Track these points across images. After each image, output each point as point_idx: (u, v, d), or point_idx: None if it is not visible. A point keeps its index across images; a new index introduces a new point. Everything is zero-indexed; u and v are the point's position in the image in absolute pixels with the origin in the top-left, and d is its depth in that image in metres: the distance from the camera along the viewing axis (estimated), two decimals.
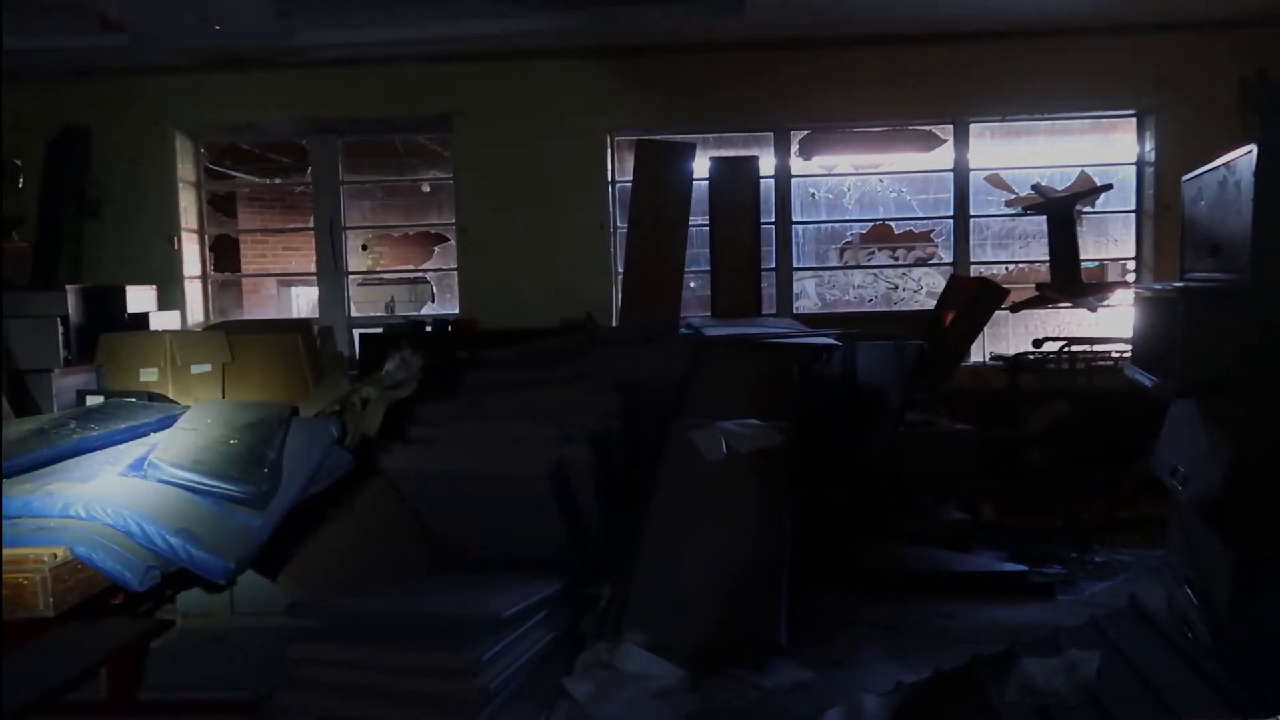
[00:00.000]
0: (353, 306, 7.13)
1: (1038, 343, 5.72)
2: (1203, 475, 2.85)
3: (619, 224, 6.59)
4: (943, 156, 6.67)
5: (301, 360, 5.51)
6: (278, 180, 8.33)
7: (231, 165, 7.85)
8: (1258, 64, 6.02)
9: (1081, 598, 4.12)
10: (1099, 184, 6.40)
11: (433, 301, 8.43)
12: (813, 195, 6.85)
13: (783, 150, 6.66)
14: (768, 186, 6.51)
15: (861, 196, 6.88)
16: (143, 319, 5.80)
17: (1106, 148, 6.62)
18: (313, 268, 7.09)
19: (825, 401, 4.42)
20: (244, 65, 6.41)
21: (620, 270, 6.29)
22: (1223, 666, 2.67)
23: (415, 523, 3.83)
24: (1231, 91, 6.08)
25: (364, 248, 8.34)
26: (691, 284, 6.52)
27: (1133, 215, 6.56)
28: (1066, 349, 5.49)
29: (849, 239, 7.09)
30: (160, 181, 6.73)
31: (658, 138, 5.79)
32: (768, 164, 6.56)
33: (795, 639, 3.45)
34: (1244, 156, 2.65)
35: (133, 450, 3.40)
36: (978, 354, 6.25)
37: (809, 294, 7.15)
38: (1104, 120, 6.59)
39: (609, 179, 6.64)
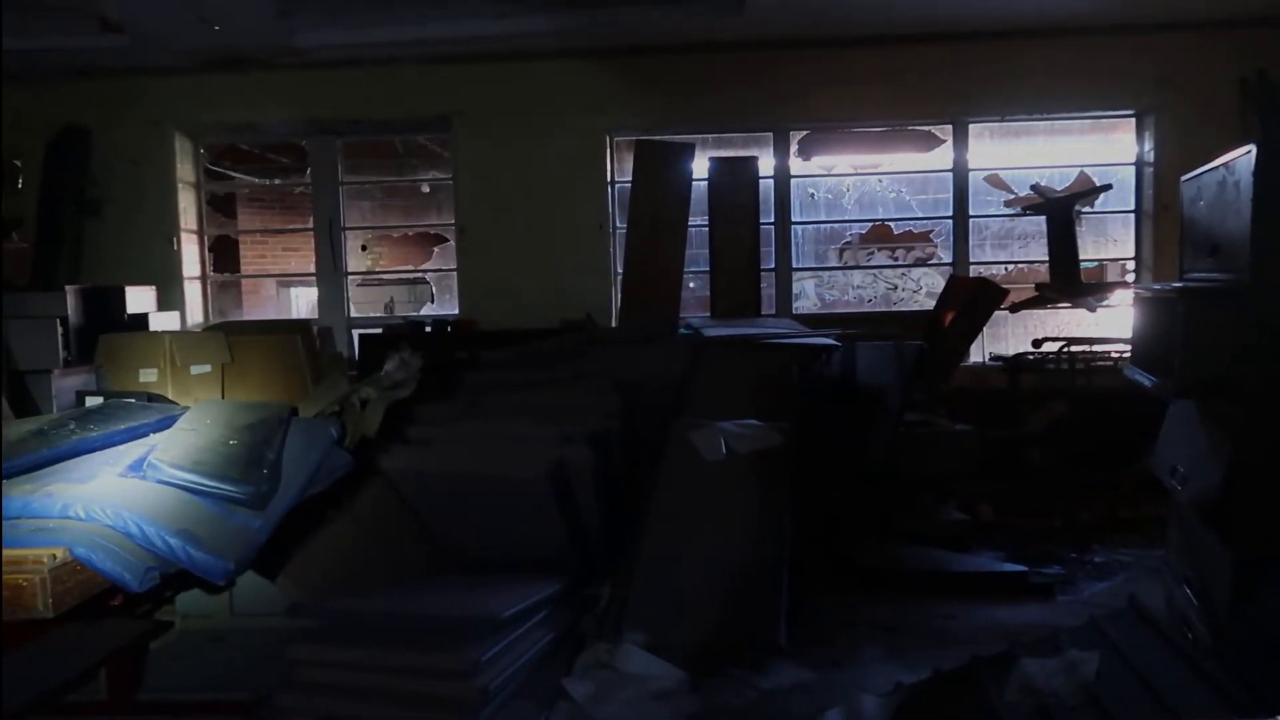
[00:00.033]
0: (352, 307, 7.13)
1: (1037, 343, 5.72)
2: (1202, 475, 2.85)
3: (618, 224, 6.59)
4: (942, 157, 6.67)
5: (301, 361, 5.51)
6: (277, 181, 8.33)
7: (231, 166, 7.85)
8: (1257, 64, 6.02)
9: (1081, 598, 4.13)
10: (1098, 184, 6.40)
11: (432, 302, 8.43)
12: (812, 195, 6.85)
13: (782, 150, 6.66)
14: (767, 187, 6.51)
15: (861, 197, 6.88)
16: (142, 320, 5.80)
17: (1106, 148, 6.62)
18: (312, 268, 7.09)
19: (825, 402, 4.42)
20: (244, 66, 6.41)
21: (619, 270, 6.29)
22: (1222, 666, 2.67)
23: (415, 523, 3.83)
24: (1231, 91, 6.08)
25: (363, 248, 8.34)
26: (691, 284, 6.52)
27: (1132, 215, 6.56)
28: (1066, 349, 5.49)
29: (848, 239, 7.09)
30: (160, 182, 6.74)
31: (657, 138, 5.80)
32: (767, 164, 6.56)
33: (795, 639, 3.45)
34: (1243, 157, 2.65)
35: (132, 451, 3.40)
36: (977, 354, 6.25)
37: (808, 294, 7.15)
38: (1103, 120, 6.59)
39: (608, 179, 6.64)
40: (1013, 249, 6.78)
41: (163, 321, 5.99)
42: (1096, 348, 5.50)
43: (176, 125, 6.79)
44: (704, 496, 3.55)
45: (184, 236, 6.86)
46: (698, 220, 5.92)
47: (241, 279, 7.95)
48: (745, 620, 3.40)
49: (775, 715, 3.03)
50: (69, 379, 5.14)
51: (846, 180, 6.91)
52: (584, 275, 6.52)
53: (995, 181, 6.69)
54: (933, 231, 6.92)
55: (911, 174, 6.82)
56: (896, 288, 7.16)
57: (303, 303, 8.76)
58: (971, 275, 6.48)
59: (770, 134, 6.65)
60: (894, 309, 6.97)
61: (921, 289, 7.07)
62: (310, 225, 7.11)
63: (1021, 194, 6.53)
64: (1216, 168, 2.88)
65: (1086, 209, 6.49)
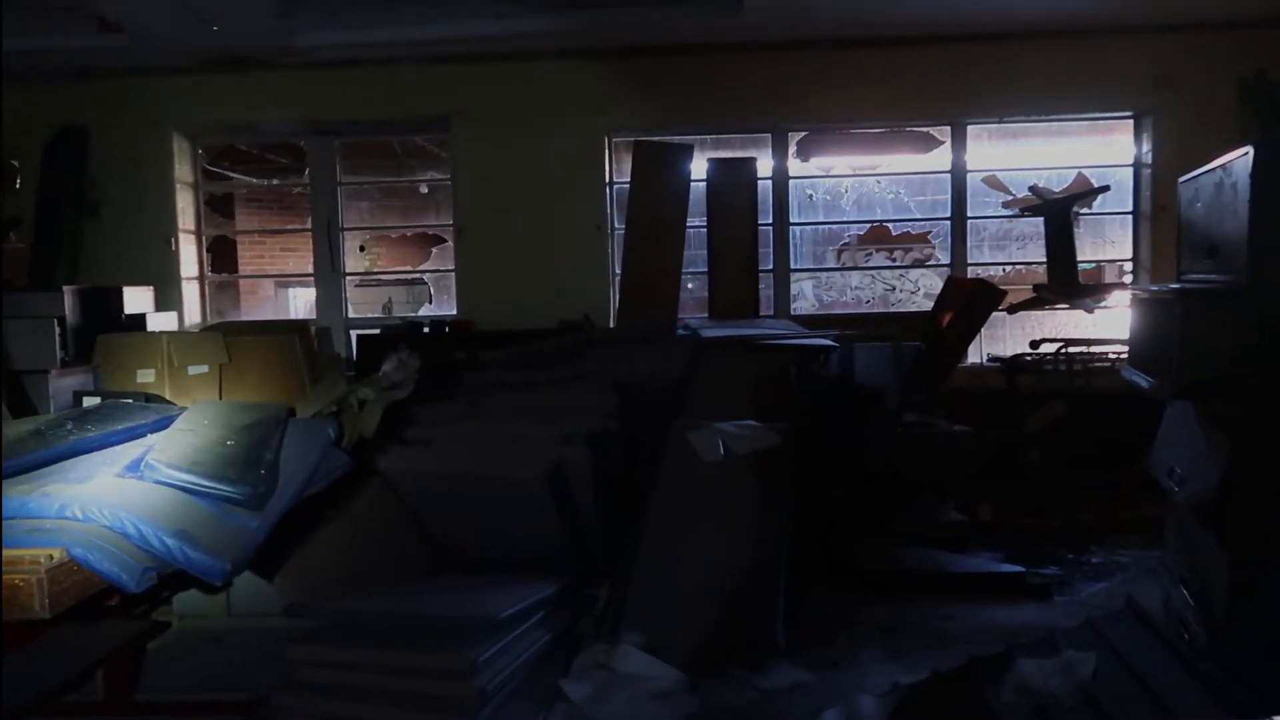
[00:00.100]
0: (350, 307, 7.13)
1: (1035, 344, 5.72)
2: (1199, 476, 2.85)
3: (617, 225, 6.59)
4: (940, 158, 6.68)
5: (299, 361, 5.50)
6: (275, 181, 8.33)
7: (229, 166, 7.85)
8: (1256, 65, 6.03)
9: (1078, 599, 4.13)
10: (1096, 185, 6.41)
11: (430, 303, 8.42)
12: (810, 196, 6.85)
13: (780, 151, 6.66)
14: (765, 188, 6.51)
15: (859, 198, 6.88)
16: (140, 320, 5.79)
17: (1104, 149, 6.63)
18: (310, 269, 7.08)
19: (823, 403, 4.42)
20: (243, 66, 6.41)
21: (618, 271, 6.29)
22: (1219, 667, 2.67)
23: (413, 524, 3.83)
24: (1229, 93, 6.09)
25: (361, 249, 8.33)
26: (689, 285, 6.52)
27: (1130, 217, 6.57)
28: (1064, 350, 5.49)
29: (846, 240, 7.09)
30: (158, 182, 6.73)
31: (655, 139, 5.80)
32: (765, 165, 6.56)
33: (793, 640, 3.46)
34: (1241, 158, 2.65)
35: (129, 451, 3.40)
36: (975, 355, 6.25)
37: (806, 295, 7.15)
38: (1101, 122, 6.60)
39: (607, 180, 6.65)
40: (1011, 250, 6.79)
41: (160, 322, 5.99)
42: (1094, 349, 5.50)
43: (175, 125, 6.79)
44: (702, 497, 3.55)
45: (182, 237, 6.86)
46: (696, 221, 5.92)
47: (239, 279, 7.94)
48: (744, 621, 3.40)
49: (774, 715, 3.02)
50: (66, 379, 5.13)
51: (845, 181, 6.91)
52: (582, 276, 6.52)
53: (993, 183, 6.70)
54: (931, 233, 6.92)
55: (910, 175, 6.83)
56: (895, 289, 7.16)
57: (301, 303, 8.75)
58: (969, 276, 6.48)
59: (769, 135, 6.65)
60: (892, 310, 6.97)
61: (919, 290, 7.08)
62: (308, 226, 7.11)
63: (1019, 195, 6.54)
64: (1214, 169, 2.88)
65: (1084, 210, 6.50)
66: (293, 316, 8.40)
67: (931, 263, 6.98)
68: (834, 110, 6.50)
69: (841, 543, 4.39)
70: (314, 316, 7.02)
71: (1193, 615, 2.90)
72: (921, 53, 6.24)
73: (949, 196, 6.62)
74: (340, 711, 2.94)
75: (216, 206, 7.86)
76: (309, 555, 3.45)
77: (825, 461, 4.27)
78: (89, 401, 4.61)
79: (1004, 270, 6.82)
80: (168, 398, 4.90)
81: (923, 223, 6.89)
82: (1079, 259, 6.03)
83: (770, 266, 6.68)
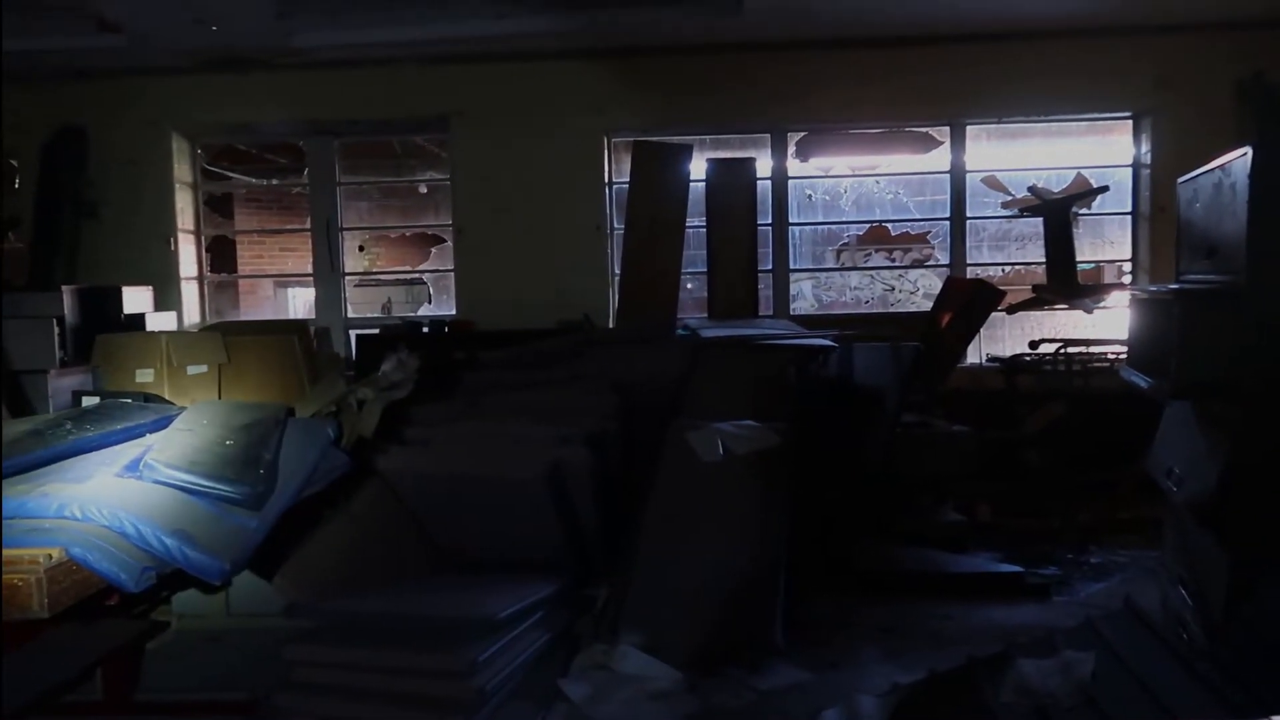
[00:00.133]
0: (349, 307, 7.13)
1: (1034, 344, 5.72)
2: (1198, 477, 2.85)
3: (616, 225, 6.59)
4: (939, 158, 6.68)
5: (298, 361, 5.50)
6: (274, 181, 8.33)
7: (228, 166, 7.84)
8: (1253, 65, 6.03)
9: (1077, 599, 4.13)
10: (1095, 186, 6.41)
11: (429, 303, 8.42)
12: (809, 197, 6.86)
13: (780, 152, 6.66)
14: (764, 188, 6.51)
15: (858, 198, 6.88)
16: (139, 320, 5.79)
17: (1102, 150, 6.63)
18: (309, 269, 7.08)
19: (822, 403, 4.42)
20: (242, 66, 6.40)
21: (617, 271, 6.29)
22: (1217, 667, 2.67)
23: (412, 524, 3.83)
24: (1227, 93, 6.09)
25: (360, 249, 8.33)
26: (688, 285, 6.52)
27: (1129, 217, 6.57)
28: (1063, 350, 5.49)
29: (846, 240, 7.10)
30: (157, 182, 6.73)
31: (654, 139, 5.80)
32: (764, 165, 6.56)
33: (792, 640, 3.46)
34: (1239, 159, 2.65)
35: (128, 451, 3.40)
36: (974, 355, 6.25)
37: (806, 295, 7.16)
38: (1100, 122, 6.60)
39: (606, 180, 6.65)
40: (1010, 250, 6.79)
41: (159, 322, 5.99)
42: (1093, 349, 5.50)
43: (174, 125, 6.79)
44: (701, 497, 3.55)
45: (181, 237, 6.85)
46: (695, 221, 5.92)
47: (238, 279, 7.94)
48: (743, 621, 3.40)
49: (773, 716, 3.02)
50: (65, 379, 5.13)
51: (844, 181, 6.91)
52: (582, 276, 6.52)
53: (992, 183, 6.70)
54: (930, 233, 6.92)
55: (909, 175, 6.83)
56: (894, 289, 7.16)
57: (300, 303, 8.75)
58: (969, 277, 6.48)
59: (768, 135, 6.65)
60: (891, 310, 6.98)
61: (919, 290, 7.08)
62: (307, 226, 7.11)
63: (1018, 196, 6.54)
64: (1213, 170, 2.88)
65: (1083, 211, 6.50)
66: (292, 316, 8.40)
67: (930, 263, 6.98)
68: (833, 110, 6.50)
69: (840, 543, 4.39)
70: (313, 316, 7.02)
71: (1191, 615, 2.90)
72: (921, 53, 6.24)
73: (948, 197, 6.63)
74: (339, 711, 2.94)
75: (215, 206, 7.86)
76: (308, 555, 3.45)
77: (824, 462, 4.27)
78: (88, 401, 4.61)
79: (1003, 271, 6.82)
80: (167, 398, 4.90)
81: (922, 223, 6.90)
82: (1078, 259, 6.03)
83: (769, 267, 6.68)
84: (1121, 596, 3.59)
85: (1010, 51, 6.22)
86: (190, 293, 6.98)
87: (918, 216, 6.87)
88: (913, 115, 6.56)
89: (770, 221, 6.63)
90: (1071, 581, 4.36)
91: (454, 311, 6.81)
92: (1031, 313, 6.25)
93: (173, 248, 6.76)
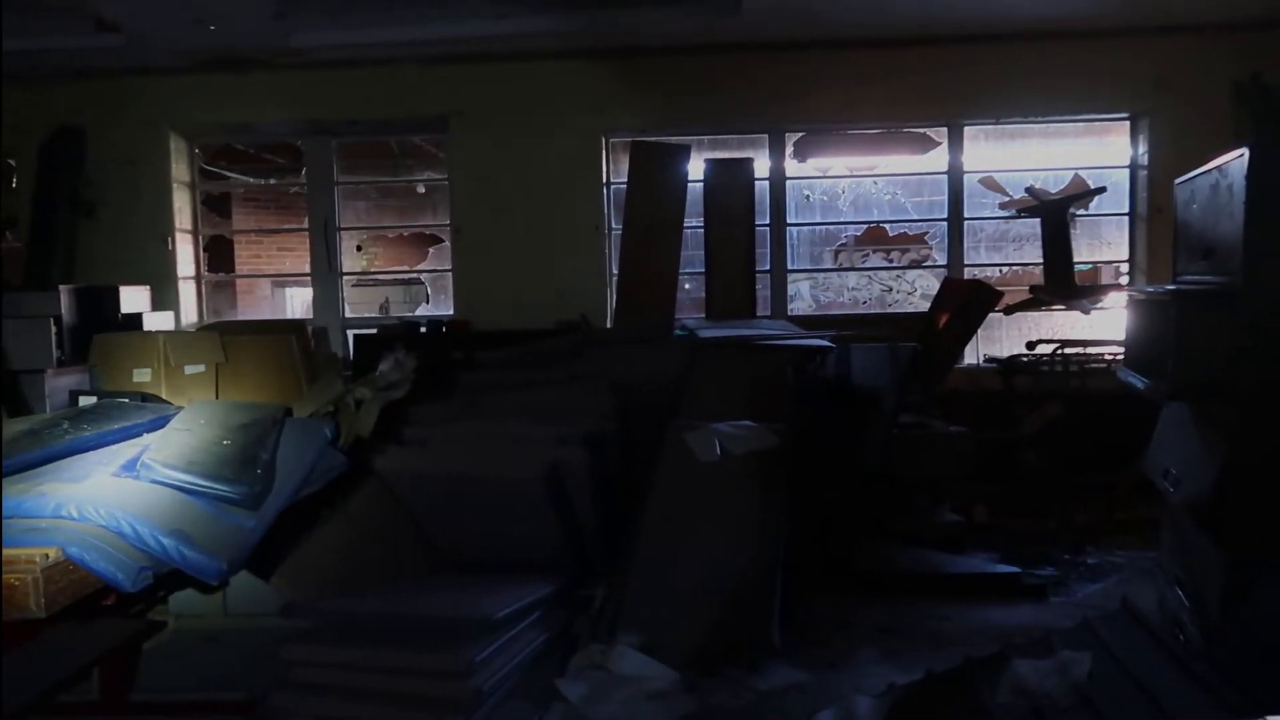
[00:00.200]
0: (347, 307, 7.12)
1: (1031, 345, 5.73)
2: (1194, 477, 2.86)
3: (614, 225, 6.59)
4: (937, 159, 6.69)
5: (295, 361, 5.50)
6: (272, 181, 8.33)
7: (226, 166, 7.84)
8: (1251, 67, 6.04)
9: (1074, 599, 4.14)
10: (1092, 187, 6.42)
11: (427, 303, 8.42)
12: (807, 197, 6.86)
13: (778, 152, 6.67)
14: (762, 188, 6.52)
15: (856, 199, 6.89)
16: (136, 319, 5.78)
17: (1100, 151, 6.64)
18: (307, 268, 7.08)
19: (820, 403, 4.43)
20: (241, 66, 6.40)
21: (615, 272, 6.30)
22: (1214, 668, 2.68)
23: (409, 524, 3.83)
24: (1225, 94, 6.10)
25: (358, 249, 8.33)
26: (686, 286, 6.52)
27: (1126, 218, 6.58)
28: (1060, 351, 5.50)
29: (843, 241, 7.10)
30: (155, 182, 6.72)
31: (652, 140, 5.80)
32: (762, 166, 6.57)
33: (790, 640, 3.46)
34: (1236, 160, 2.66)
35: (126, 451, 3.39)
36: (971, 356, 6.26)
37: (803, 296, 7.16)
38: (1097, 123, 6.61)
39: (604, 180, 6.65)
40: (1007, 251, 6.80)
41: (157, 321, 5.98)
42: (1091, 350, 5.51)
43: (172, 125, 6.78)
44: (699, 498, 3.55)
45: (179, 236, 6.85)
46: (693, 222, 5.93)
47: (236, 279, 7.94)
48: (740, 621, 3.40)
49: (770, 716, 3.03)
50: (63, 379, 5.12)
51: (842, 182, 6.92)
52: (580, 276, 6.52)
53: (990, 184, 6.71)
54: (928, 233, 6.93)
55: (907, 176, 6.84)
56: (891, 290, 7.17)
57: (298, 303, 8.75)
58: (966, 277, 6.49)
59: (766, 135, 6.66)
60: (889, 311, 6.98)
61: (916, 291, 7.09)
62: (305, 225, 7.10)
63: (1016, 196, 6.55)
64: (1209, 171, 2.89)
65: (1081, 211, 6.51)
66: (289, 316, 8.40)
67: (928, 263, 6.99)
68: (831, 111, 6.51)
69: (838, 543, 4.40)
70: (311, 316, 7.01)
71: (1188, 616, 2.91)
72: (919, 54, 6.25)
73: (946, 197, 6.63)
74: (336, 711, 2.94)
75: (213, 206, 7.86)
76: (305, 555, 3.45)
77: (822, 462, 4.28)
78: (85, 401, 4.61)
79: (1001, 271, 6.83)
80: (164, 397, 4.90)
81: (920, 224, 6.90)
82: (1075, 260, 6.03)
83: (767, 267, 6.68)
84: (1118, 597, 3.59)
85: (1009, 52, 6.22)
86: (188, 292, 6.97)
87: (915, 217, 6.88)
88: (911, 116, 6.57)
89: (768, 222, 6.64)
90: (1068, 582, 4.37)
91: (452, 311, 6.81)
92: (1029, 313, 6.26)
93: (170, 247, 6.76)
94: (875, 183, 6.89)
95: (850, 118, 6.60)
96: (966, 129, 6.58)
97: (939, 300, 5.81)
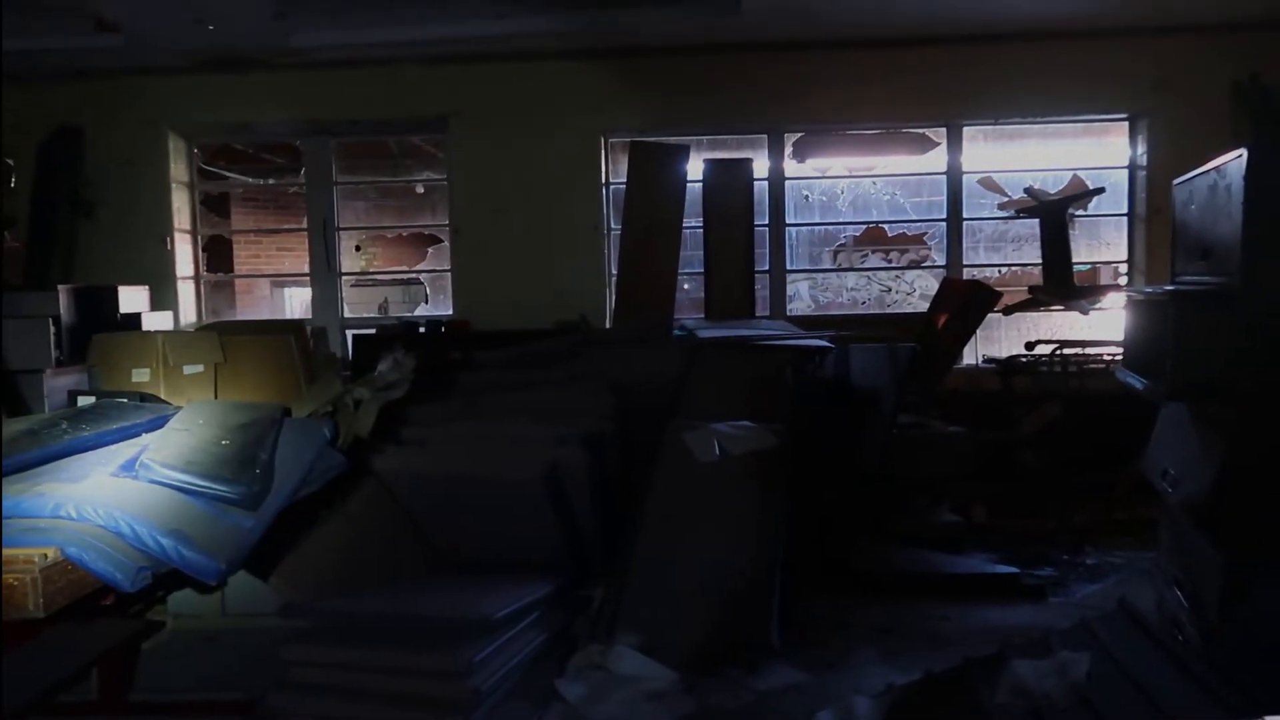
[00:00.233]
0: (346, 307, 7.12)
1: (1030, 345, 5.73)
2: (1193, 478, 2.86)
3: (613, 226, 6.59)
4: (936, 159, 6.69)
5: (294, 361, 5.50)
6: (271, 181, 8.32)
7: (225, 166, 7.84)
8: (1250, 68, 6.04)
9: (1072, 600, 4.14)
10: (1091, 187, 6.43)
11: (426, 303, 8.42)
12: (806, 198, 6.86)
13: (777, 152, 6.67)
14: (761, 189, 6.52)
15: (855, 199, 6.89)
16: (135, 319, 5.78)
17: (1099, 151, 6.65)
18: (306, 269, 7.08)
19: (819, 404, 4.43)
20: (240, 66, 6.40)
21: (614, 272, 6.30)
22: (1212, 668, 2.68)
23: (408, 524, 3.83)
24: (1224, 95, 6.10)
25: (357, 249, 8.33)
26: (685, 286, 6.52)
27: (1124, 219, 6.59)
28: (1059, 352, 5.50)
29: (842, 241, 7.11)
30: (154, 182, 6.72)
31: (651, 140, 5.80)
32: (761, 166, 6.57)
33: (789, 641, 3.46)
34: (1234, 160, 2.66)
35: (124, 451, 3.39)
36: (970, 356, 6.26)
37: (802, 296, 7.17)
38: (1096, 124, 6.62)
39: (603, 181, 6.65)
40: (1006, 252, 6.80)
41: (156, 321, 5.97)
42: (1089, 350, 5.51)
43: (171, 125, 6.78)
44: (698, 498, 3.55)
45: (178, 236, 6.85)
46: (692, 222, 5.93)
47: (235, 279, 7.93)
48: (739, 621, 3.40)
49: (769, 716, 3.03)
50: (61, 379, 5.12)
51: (841, 182, 6.92)
52: (579, 276, 6.52)
53: (989, 184, 6.71)
54: (926, 234, 6.94)
55: (906, 176, 6.84)
56: (890, 290, 7.17)
57: (296, 303, 8.74)
58: (965, 278, 6.49)
59: (765, 136, 6.66)
60: (888, 311, 6.99)
61: (915, 291, 7.09)
62: (304, 225, 7.10)
63: (1015, 197, 6.55)
64: (1208, 171, 2.89)
65: (1080, 212, 6.51)
66: (288, 316, 8.39)
67: (927, 264, 6.99)
68: (831, 111, 6.51)
69: (837, 544, 4.40)
70: (310, 316, 7.02)
71: (1186, 616, 2.91)
72: (918, 54, 6.25)
73: (945, 198, 6.63)
74: (335, 712, 2.94)
75: (212, 206, 7.85)
76: (304, 555, 3.45)
77: (821, 462, 4.28)
78: (84, 401, 4.60)
79: (999, 272, 6.83)
80: (163, 397, 4.89)
81: (918, 224, 6.91)
82: (1074, 261, 6.04)
83: (766, 267, 6.68)
84: (1117, 597, 3.59)
85: (1008, 53, 6.23)
86: (186, 292, 6.97)
87: (914, 217, 6.88)
88: (910, 116, 6.57)
89: (767, 222, 6.64)
90: (1067, 582, 4.37)
91: (451, 312, 6.81)
92: (1028, 314, 6.26)
93: (169, 247, 6.76)
94: (874, 183, 6.89)
95: (850, 118, 6.60)
96: (966, 129, 6.58)
97: (938, 301, 5.81)
